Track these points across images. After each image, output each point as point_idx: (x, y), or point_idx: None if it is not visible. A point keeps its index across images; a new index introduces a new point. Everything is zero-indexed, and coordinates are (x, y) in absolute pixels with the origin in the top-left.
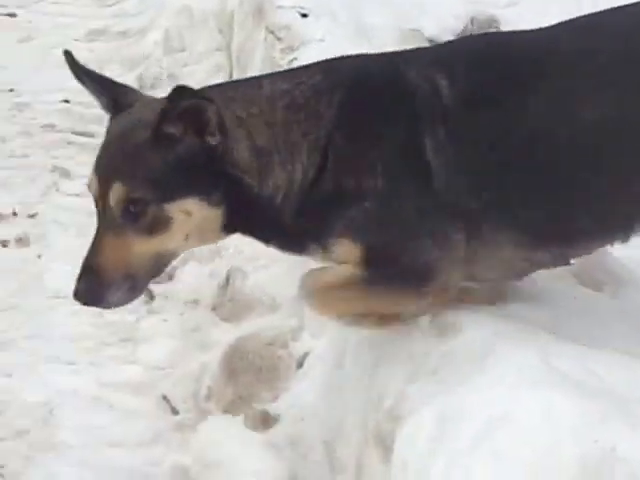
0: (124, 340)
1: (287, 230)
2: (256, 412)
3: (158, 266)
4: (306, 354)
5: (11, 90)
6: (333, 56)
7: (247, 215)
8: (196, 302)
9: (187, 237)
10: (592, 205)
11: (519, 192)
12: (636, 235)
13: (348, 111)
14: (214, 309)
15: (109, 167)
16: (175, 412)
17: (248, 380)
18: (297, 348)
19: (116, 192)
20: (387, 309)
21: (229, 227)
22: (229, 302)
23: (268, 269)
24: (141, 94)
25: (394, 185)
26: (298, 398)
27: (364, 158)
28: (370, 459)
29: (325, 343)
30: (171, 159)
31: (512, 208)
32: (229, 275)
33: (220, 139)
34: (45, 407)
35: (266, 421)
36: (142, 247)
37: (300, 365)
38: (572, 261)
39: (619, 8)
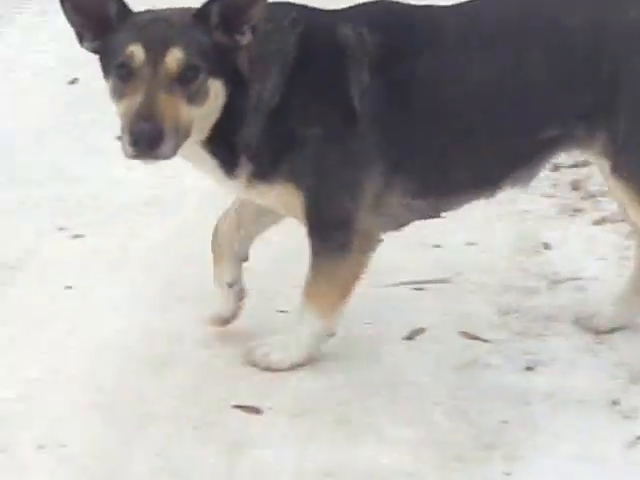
0: None
1: (247, 151)
2: None
3: (187, 134)
4: None
5: None
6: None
7: (229, 120)
8: None
9: (205, 117)
10: (467, 160)
11: (416, 140)
12: (501, 191)
13: (301, 54)
14: None
15: (162, 37)
16: None
17: None
18: None
19: (176, 56)
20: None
21: (215, 125)
22: None
23: None
24: None
25: (332, 132)
26: None
27: (310, 104)
28: None
29: None
30: (211, 40)
31: (410, 155)
32: None
33: (249, 41)
34: None
35: None
36: (185, 111)
37: None
38: (442, 214)
39: None
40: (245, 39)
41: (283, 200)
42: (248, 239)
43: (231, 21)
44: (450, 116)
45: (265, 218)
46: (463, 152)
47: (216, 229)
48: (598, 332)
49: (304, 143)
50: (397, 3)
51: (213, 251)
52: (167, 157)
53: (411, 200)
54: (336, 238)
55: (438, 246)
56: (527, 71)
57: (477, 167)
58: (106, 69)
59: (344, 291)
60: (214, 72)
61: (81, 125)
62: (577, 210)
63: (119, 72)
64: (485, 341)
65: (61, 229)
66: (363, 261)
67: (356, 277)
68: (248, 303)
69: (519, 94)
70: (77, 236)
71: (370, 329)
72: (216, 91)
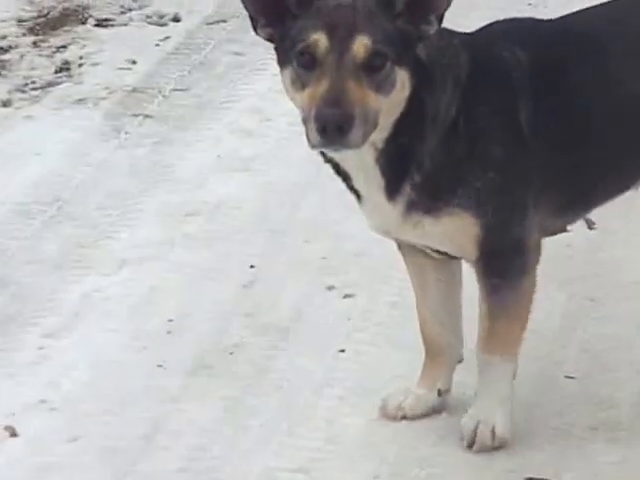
0: None
1: (414, 165)
2: None
3: (374, 125)
4: None
5: None
6: None
7: (408, 124)
8: None
9: (390, 108)
10: (616, 167)
11: (573, 156)
12: None
13: (473, 73)
14: None
15: (347, 23)
16: None
17: None
18: None
19: (363, 42)
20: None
21: (394, 125)
22: None
23: None
24: None
25: (510, 152)
26: None
27: (489, 123)
28: None
29: None
30: (396, 27)
31: (566, 171)
32: None
33: (434, 30)
34: None
35: None
36: (372, 100)
37: None
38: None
39: None
40: (432, 29)
41: (452, 233)
42: (457, 336)
43: (416, 9)
44: (605, 128)
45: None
46: (610, 161)
47: (422, 329)
48: None
49: (486, 165)
50: (531, 19)
51: (425, 351)
52: (357, 146)
53: (557, 215)
54: (516, 263)
55: None
56: None
57: (621, 174)
58: (283, 57)
59: (525, 319)
60: (400, 61)
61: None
62: None
63: (301, 60)
64: None
65: (330, 288)
66: (535, 278)
67: (532, 298)
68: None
69: None
70: (347, 296)
71: None
72: (403, 81)
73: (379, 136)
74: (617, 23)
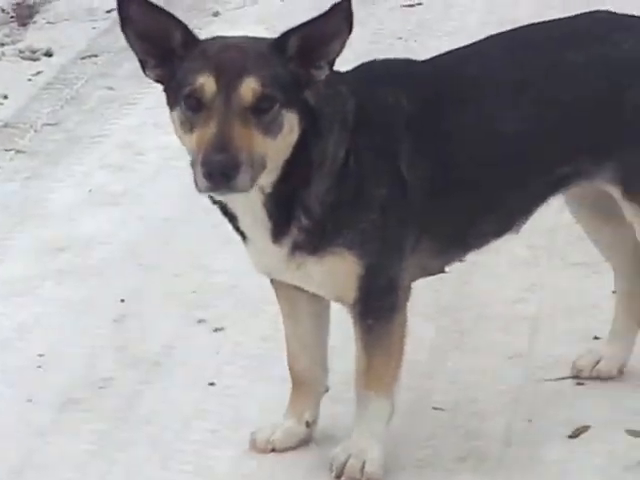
0: None
1: (301, 210)
2: None
3: (262, 168)
4: None
5: None
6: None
7: (295, 169)
8: None
9: (278, 151)
10: (494, 211)
11: (449, 199)
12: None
13: (359, 120)
14: None
15: (237, 66)
16: None
17: None
18: None
19: (251, 85)
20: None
21: (282, 169)
22: None
23: None
24: None
25: (393, 194)
26: None
27: (374, 166)
28: None
29: None
30: (288, 70)
31: (443, 213)
32: None
33: (325, 74)
34: None
35: None
36: (259, 143)
37: None
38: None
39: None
40: (323, 74)
41: (335, 274)
42: (324, 368)
43: (309, 54)
44: (480, 171)
45: (318, 329)
46: (489, 205)
47: (291, 362)
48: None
49: (370, 207)
50: (408, 61)
51: (293, 384)
52: (244, 190)
53: (435, 256)
54: (389, 303)
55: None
56: (541, 116)
57: (501, 217)
58: (172, 99)
59: (400, 355)
60: (289, 104)
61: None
62: None
63: (188, 103)
64: None
65: (201, 321)
66: (406, 315)
67: (405, 334)
68: (403, 399)
69: (536, 140)
70: (217, 329)
71: (531, 427)
72: (291, 124)
73: (267, 180)
74: (490, 64)
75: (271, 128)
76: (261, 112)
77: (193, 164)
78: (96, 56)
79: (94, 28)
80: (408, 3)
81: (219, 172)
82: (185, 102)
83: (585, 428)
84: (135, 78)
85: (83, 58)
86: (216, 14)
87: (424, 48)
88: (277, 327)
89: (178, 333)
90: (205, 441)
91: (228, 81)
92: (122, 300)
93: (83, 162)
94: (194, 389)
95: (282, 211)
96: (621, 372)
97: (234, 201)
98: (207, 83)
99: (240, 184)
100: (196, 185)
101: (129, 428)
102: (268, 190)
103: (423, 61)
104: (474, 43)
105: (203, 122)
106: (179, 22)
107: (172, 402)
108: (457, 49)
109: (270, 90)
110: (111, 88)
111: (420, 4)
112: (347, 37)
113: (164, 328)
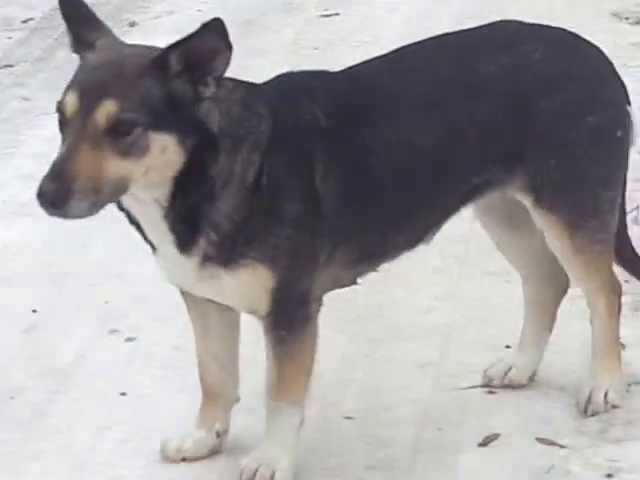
0: None
1: (209, 225)
2: None
3: (117, 191)
4: None
5: None
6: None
7: (192, 185)
8: None
9: (147, 172)
10: (405, 223)
11: (360, 212)
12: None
13: (276, 132)
14: None
15: (99, 86)
16: None
17: None
18: None
19: (107, 109)
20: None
21: (174, 185)
22: None
23: None
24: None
25: (308, 209)
26: None
27: (287, 182)
28: None
29: None
30: (165, 91)
31: (355, 227)
32: None
33: (213, 93)
34: None
35: None
36: (114, 166)
37: None
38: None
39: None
40: (208, 91)
41: (247, 286)
42: (234, 377)
43: (195, 70)
44: (391, 185)
45: (229, 340)
46: (402, 217)
47: (201, 373)
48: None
49: (283, 222)
50: (326, 73)
51: (203, 394)
52: (82, 216)
53: (348, 268)
54: (301, 314)
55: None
56: (454, 127)
57: (413, 229)
58: None
59: (310, 365)
60: (159, 125)
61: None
62: None
63: (58, 117)
64: (563, 447)
65: (113, 331)
66: (317, 326)
67: (315, 345)
68: (314, 409)
69: (449, 151)
70: (129, 339)
71: (442, 435)
72: (162, 145)
73: (158, 193)
74: (403, 75)
75: (132, 150)
76: (118, 135)
77: None
78: (12, 66)
79: (10, 38)
80: (325, 13)
81: (46, 201)
82: (57, 114)
83: (495, 436)
84: (50, 89)
85: None
86: (133, 24)
87: (340, 58)
88: (189, 337)
89: (90, 343)
90: (116, 451)
91: (88, 102)
92: (34, 310)
93: None
94: (105, 399)
95: (187, 224)
96: (531, 380)
97: (135, 211)
98: (69, 101)
99: (72, 212)
100: None
101: (39, 438)
102: (165, 204)
103: (338, 72)
104: (388, 54)
105: (63, 140)
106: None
107: (83, 412)
108: (371, 60)
109: (130, 114)
110: (26, 98)
111: (337, 14)
112: (229, 54)
113: (76, 338)
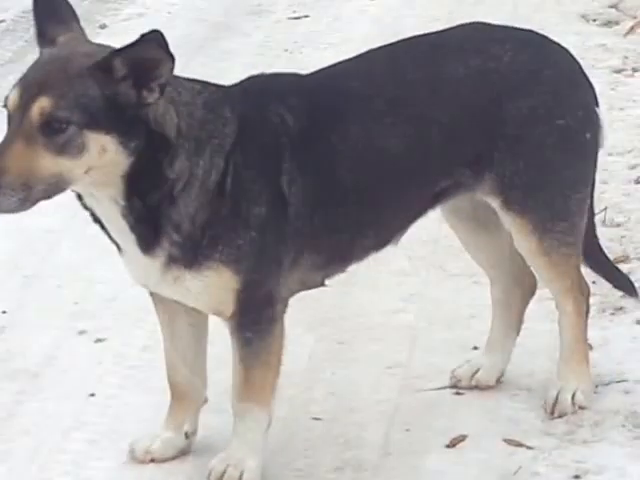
0: None
1: (170, 226)
2: None
3: (53, 188)
4: None
5: None
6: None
7: (148, 186)
8: None
9: (89, 171)
10: (372, 226)
11: (328, 215)
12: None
13: (242, 135)
14: None
15: (39, 82)
16: None
17: None
18: None
19: (41, 105)
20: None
21: (128, 184)
22: None
23: None
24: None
25: (272, 212)
26: None
27: (252, 185)
28: None
29: None
30: (107, 93)
31: (322, 230)
32: None
33: (156, 99)
34: None
35: None
36: (48, 163)
37: None
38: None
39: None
40: (152, 97)
41: (212, 288)
42: (202, 378)
43: (139, 77)
44: (359, 188)
45: (197, 341)
46: (369, 220)
47: (169, 373)
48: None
49: (248, 224)
50: (295, 76)
51: (171, 395)
52: (11, 211)
53: (316, 270)
54: (266, 315)
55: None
56: (422, 130)
57: (381, 231)
58: None
59: (277, 366)
60: (96, 125)
61: None
62: (618, 309)
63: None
64: (530, 448)
65: (82, 332)
66: (284, 327)
67: (282, 346)
68: (282, 409)
69: (417, 154)
70: (99, 340)
71: (409, 436)
72: (100, 144)
73: (113, 192)
74: (371, 78)
75: (67, 149)
76: (52, 132)
77: None
78: None
79: None
80: (295, 15)
81: None
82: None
83: (462, 437)
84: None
85: None
86: (103, 26)
87: (310, 60)
88: (158, 338)
89: (59, 344)
90: (84, 452)
91: (27, 98)
92: (3, 311)
93: None
94: (74, 400)
95: (147, 224)
96: (499, 382)
97: (96, 210)
98: (12, 97)
99: (3, 206)
100: None
101: (7, 439)
102: (122, 202)
103: (308, 75)
104: (357, 56)
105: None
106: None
107: (51, 413)
108: (340, 62)
109: (63, 112)
110: None
111: (307, 16)
112: (171, 64)
113: (45, 339)
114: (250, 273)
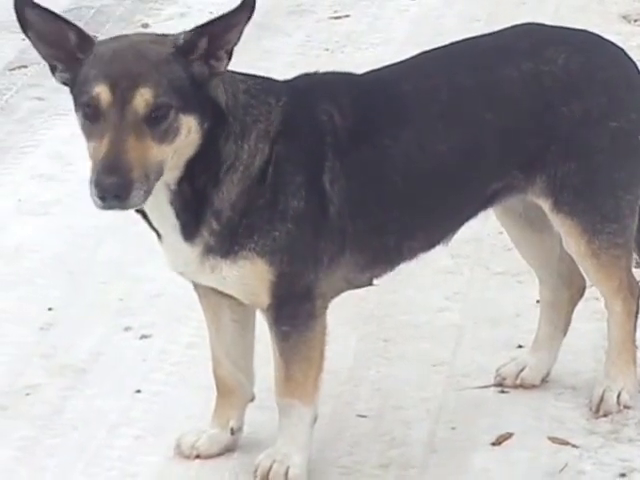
0: None
1: (211, 213)
2: None
3: (159, 176)
4: None
5: None
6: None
7: (201, 168)
8: None
9: (175, 154)
10: (422, 228)
11: (376, 216)
12: None
13: (287, 126)
14: None
15: (130, 75)
16: None
17: None
18: None
19: (144, 97)
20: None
21: (186, 168)
22: None
23: None
24: None
25: (310, 206)
26: None
27: (293, 177)
28: None
29: None
30: (189, 73)
31: (369, 230)
32: None
33: (226, 66)
34: None
35: None
36: (155, 151)
37: None
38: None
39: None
40: (222, 65)
41: (246, 278)
42: (249, 375)
43: (212, 48)
44: (408, 189)
45: (242, 336)
46: (419, 223)
47: (215, 369)
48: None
49: (286, 216)
50: (348, 75)
51: (217, 391)
52: (138, 205)
53: (361, 270)
54: (304, 310)
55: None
56: (475, 134)
57: (430, 234)
58: (75, 103)
59: (320, 364)
60: (187, 107)
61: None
62: None
63: (86, 111)
64: (575, 446)
65: (127, 329)
66: (325, 322)
67: (324, 342)
68: (327, 406)
69: (470, 158)
70: (144, 337)
71: (455, 434)
72: (189, 127)
73: (171, 176)
74: (424, 81)
75: (167, 135)
76: (156, 121)
77: (90, 174)
78: (25, 67)
79: (23, 40)
80: (336, 15)
81: (111, 195)
82: (83, 110)
83: (508, 435)
84: (64, 89)
85: (12, 69)
86: (145, 26)
87: (351, 59)
88: (203, 334)
89: (105, 341)
90: (131, 447)
91: (122, 92)
92: (50, 308)
93: (13, 172)
94: (120, 396)
95: (191, 211)
96: (544, 381)
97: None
98: (102, 93)
99: (133, 201)
100: (92, 200)
101: (55, 434)
102: (173, 187)
103: (360, 75)
104: (410, 59)
105: (99, 134)
106: (72, 24)
107: (98, 409)
108: (393, 64)
109: (164, 98)
110: (41, 99)
111: (348, 16)
112: (245, 25)
113: (91, 336)
114: (284, 266)
